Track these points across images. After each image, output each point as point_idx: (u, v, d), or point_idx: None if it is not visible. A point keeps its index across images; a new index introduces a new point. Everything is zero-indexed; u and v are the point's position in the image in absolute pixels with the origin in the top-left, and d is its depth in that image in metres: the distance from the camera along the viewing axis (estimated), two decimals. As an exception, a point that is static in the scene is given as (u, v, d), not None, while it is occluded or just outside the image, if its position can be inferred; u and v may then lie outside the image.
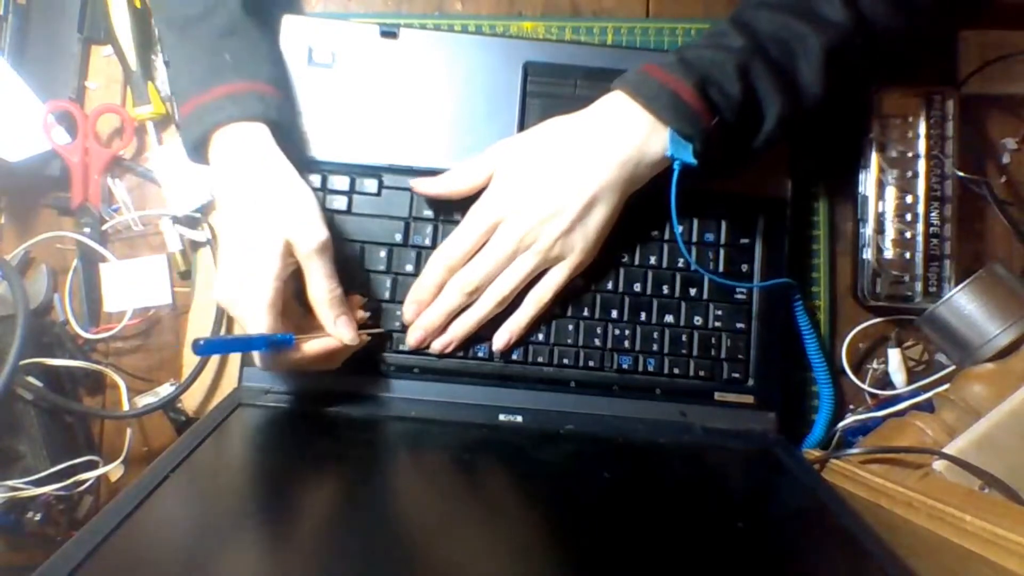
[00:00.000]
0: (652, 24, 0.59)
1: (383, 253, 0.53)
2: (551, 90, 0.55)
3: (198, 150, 0.48)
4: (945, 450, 0.46)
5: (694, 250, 0.53)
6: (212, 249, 0.56)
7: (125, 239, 0.58)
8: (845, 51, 0.46)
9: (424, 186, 0.51)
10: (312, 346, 0.46)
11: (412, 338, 0.51)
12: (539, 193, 0.48)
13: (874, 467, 0.49)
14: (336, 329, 0.46)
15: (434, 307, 0.50)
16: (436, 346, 0.51)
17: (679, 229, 0.49)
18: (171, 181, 0.56)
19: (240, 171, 0.46)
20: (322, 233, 0.45)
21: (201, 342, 0.42)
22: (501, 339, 0.51)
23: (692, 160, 0.46)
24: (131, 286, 0.57)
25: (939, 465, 0.46)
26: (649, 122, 0.46)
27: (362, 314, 0.50)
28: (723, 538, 0.40)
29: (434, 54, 0.54)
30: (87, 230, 0.56)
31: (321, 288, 0.46)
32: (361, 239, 0.53)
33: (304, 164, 0.52)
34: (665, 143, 0.46)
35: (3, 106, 0.54)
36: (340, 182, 0.53)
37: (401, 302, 0.52)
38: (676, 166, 0.46)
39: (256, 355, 0.47)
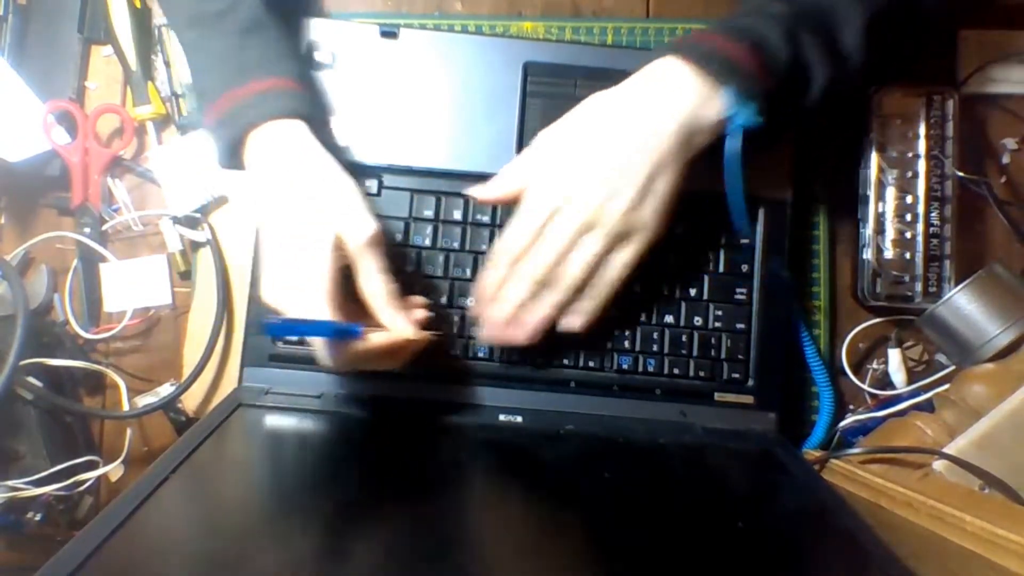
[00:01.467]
0: (652, 24, 0.59)
1: (383, 253, 0.53)
2: (551, 90, 0.54)
3: (233, 151, 0.47)
4: (945, 450, 0.46)
5: (694, 250, 0.53)
6: (212, 249, 0.56)
7: (125, 239, 0.58)
8: (887, 21, 0.46)
9: (482, 192, 0.49)
10: (378, 338, 0.44)
11: (485, 334, 0.49)
12: (597, 172, 0.45)
13: (874, 467, 0.49)
14: (394, 324, 0.45)
15: (504, 300, 0.48)
16: (516, 338, 0.48)
17: (737, 198, 0.47)
18: (171, 181, 0.56)
19: (282, 167, 0.45)
20: (372, 225, 0.45)
21: (276, 321, 0.40)
22: (576, 321, 0.49)
23: (757, 120, 0.44)
24: (131, 286, 0.57)
25: (939, 465, 0.46)
26: (702, 86, 0.45)
27: (424, 314, 0.49)
28: (723, 538, 0.40)
29: (434, 54, 0.54)
30: (87, 230, 0.56)
31: (375, 282, 0.45)
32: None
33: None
34: (720, 107, 0.45)
35: (3, 106, 0.54)
36: (340, 182, 0.53)
37: (401, 302, 0.52)
38: (739, 128, 0.45)
39: (320, 353, 0.44)
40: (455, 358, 0.52)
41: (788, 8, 0.45)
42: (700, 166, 0.47)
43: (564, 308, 0.48)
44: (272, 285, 0.44)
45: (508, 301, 0.48)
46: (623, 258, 0.47)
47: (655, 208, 0.46)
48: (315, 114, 0.48)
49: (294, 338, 0.52)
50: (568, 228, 0.46)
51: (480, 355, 0.52)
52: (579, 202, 0.46)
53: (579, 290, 0.48)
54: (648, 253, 0.48)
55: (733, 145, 0.45)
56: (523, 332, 0.48)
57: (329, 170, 0.46)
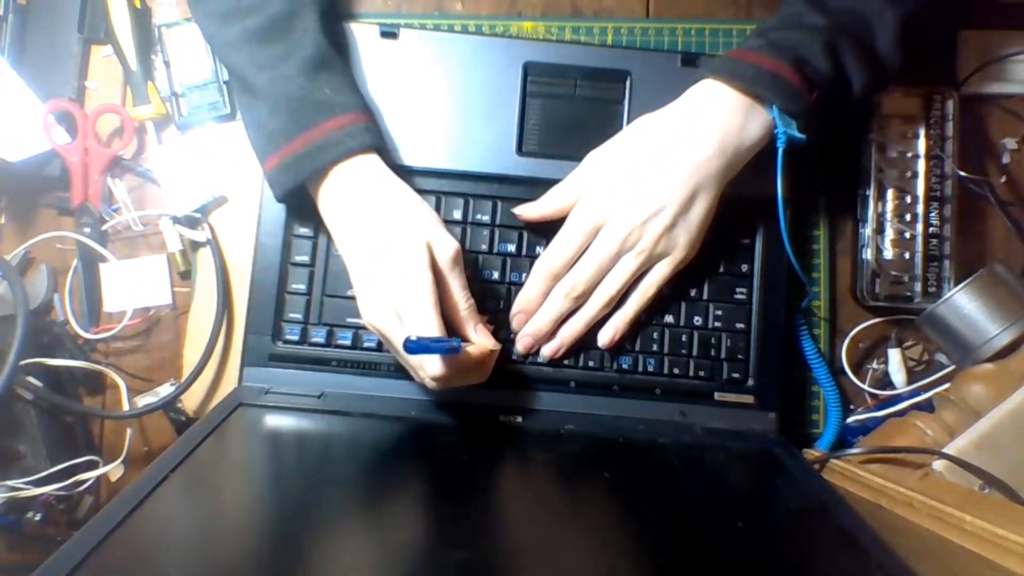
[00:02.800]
0: (652, 24, 0.59)
1: (383, 253, 0.53)
2: (551, 90, 0.55)
3: (302, 188, 0.48)
4: (945, 450, 0.46)
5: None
6: (212, 249, 0.56)
7: (125, 239, 0.58)
8: (918, 22, 0.47)
9: (529, 212, 0.51)
10: (474, 351, 0.45)
11: (521, 345, 0.51)
12: (639, 192, 0.47)
13: (874, 467, 0.49)
14: (478, 337, 0.47)
15: (541, 314, 0.50)
16: (547, 352, 0.51)
17: (783, 209, 0.48)
18: (171, 181, 0.56)
19: (367, 197, 0.47)
20: (455, 242, 0.46)
21: (414, 340, 0.41)
22: (607, 336, 0.51)
23: (801, 136, 0.46)
24: (131, 286, 0.57)
25: (939, 465, 0.46)
26: (746, 105, 0.46)
27: (490, 327, 0.50)
28: (723, 538, 0.40)
29: (434, 54, 0.54)
30: (87, 230, 0.56)
31: (460, 298, 0.46)
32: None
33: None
34: (763, 126, 0.47)
35: (3, 106, 0.54)
36: (340, 182, 0.53)
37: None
38: (782, 144, 0.46)
39: (427, 370, 0.44)
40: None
41: (825, 19, 0.46)
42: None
43: (594, 323, 0.51)
44: (375, 309, 0.45)
45: (545, 316, 0.50)
46: (656, 277, 0.50)
47: (691, 229, 0.48)
48: (383, 143, 0.49)
49: (294, 337, 0.52)
50: (607, 247, 0.48)
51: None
52: (619, 222, 0.48)
53: (610, 307, 0.50)
54: (679, 272, 0.50)
55: (779, 158, 0.47)
56: (555, 346, 0.51)
57: (409, 195, 0.48)
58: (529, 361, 0.52)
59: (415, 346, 0.41)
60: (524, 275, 0.52)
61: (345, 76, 0.49)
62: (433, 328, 0.43)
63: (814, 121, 0.47)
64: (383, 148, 0.49)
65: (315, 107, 0.47)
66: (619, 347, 0.52)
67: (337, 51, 0.50)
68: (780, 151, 0.47)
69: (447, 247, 0.46)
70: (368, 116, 0.48)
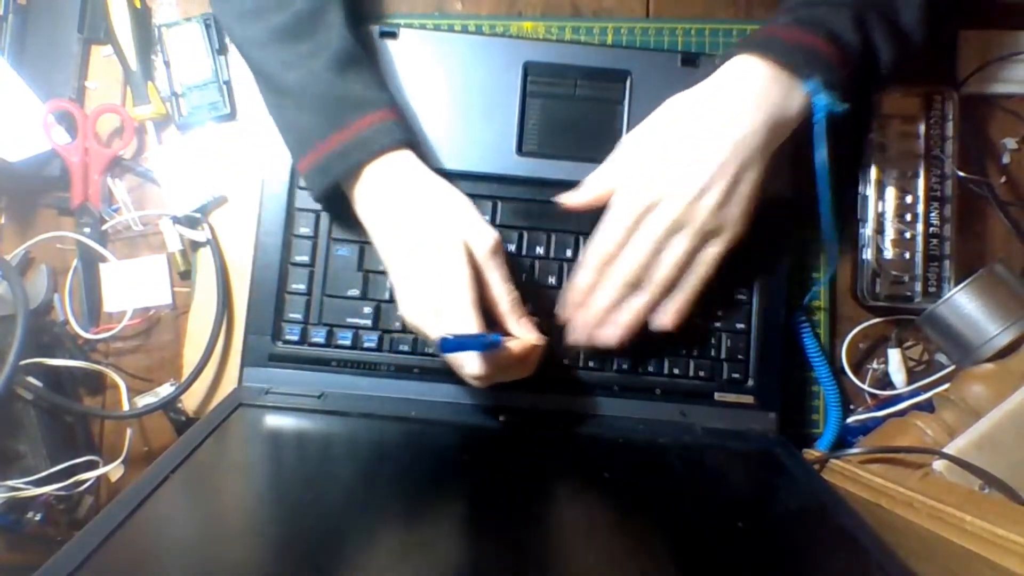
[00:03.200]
0: (652, 24, 0.59)
1: (383, 253, 0.53)
2: (551, 90, 0.55)
3: (338, 187, 0.48)
4: (945, 450, 0.46)
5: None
6: (212, 249, 0.56)
7: (125, 239, 0.58)
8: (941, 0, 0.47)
9: (570, 199, 0.50)
10: (516, 346, 0.44)
11: (576, 336, 0.50)
12: (685, 172, 0.46)
13: (874, 467, 0.49)
14: (521, 331, 0.46)
15: (595, 303, 0.49)
16: (609, 339, 0.49)
17: (826, 182, 0.48)
18: (171, 181, 0.56)
19: (401, 193, 0.47)
20: (494, 233, 0.46)
21: (450, 337, 0.41)
22: (668, 318, 0.49)
23: (842, 106, 0.46)
24: (131, 286, 0.57)
25: (939, 465, 0.46)
26: (784, 79, 0.46)
27: (534, 320, 0.49)
28: (723, 538, 0.40)
29: (434, 54, 0.54)
30: (87, 230, 0.56)
31: (501, 290, 0.46)
32: (361, 239, 0.53)
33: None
34: (803, 100, 0.46)
35: (3, 106, 0.54)
36: (340, 182, 0.53)
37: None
38: (822, 117, 0.46)
39: (470, 368, 0.44)
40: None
41: None
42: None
43: (654, 307, 0.49)
44: (413, 305, 0.45)
45: (599, 304, 0.49)
46: (711, 255, 0.48)
47: (742, 204, 0.47)
48: (416, 138, 0.49)
49: (294, 337, 0.52)
50: (658, 228, 0.47)
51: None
52: (669, 202, 0.47)
53: (668, 289, 0.49)
54: (732, 249, 0.49)
55: (821, 155, 0.47)
56: (614, 333, 0.49)
57: (444, 188, 0.47)
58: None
59: (450, 344, 0.40)
60: (523, 275, 0.53)
61: (373, 72, 0.49)
62: (471, 324, 0.42)
63: (850, 94, 0.46)
64: (416, 143, 0.49)
65: (346, 105, 0.46)
66: (679, 331, 0.50)
67: (364, 51, 0.49)
68: (820, 124, 0.46)
69: (485, 239, 0.45)
70: (398, 112, 0.48)
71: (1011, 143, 0.58)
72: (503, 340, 0.43)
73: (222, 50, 0.57)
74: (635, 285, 0.48)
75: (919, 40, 0.47)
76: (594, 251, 0.49)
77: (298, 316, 0.53)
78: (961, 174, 0.55)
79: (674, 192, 0.46)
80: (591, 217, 0.53)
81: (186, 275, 0.57)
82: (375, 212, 0.47)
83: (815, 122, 0.46)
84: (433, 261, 0.44)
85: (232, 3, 0.49)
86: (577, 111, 0.54)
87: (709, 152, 0.46)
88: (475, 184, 0.53)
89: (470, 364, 0.43)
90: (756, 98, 0.46)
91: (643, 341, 0.52)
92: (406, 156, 0.48)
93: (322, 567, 0.33)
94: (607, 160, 0.50)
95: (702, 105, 0.47)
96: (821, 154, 0.47)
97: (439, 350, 0.41)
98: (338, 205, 0.50)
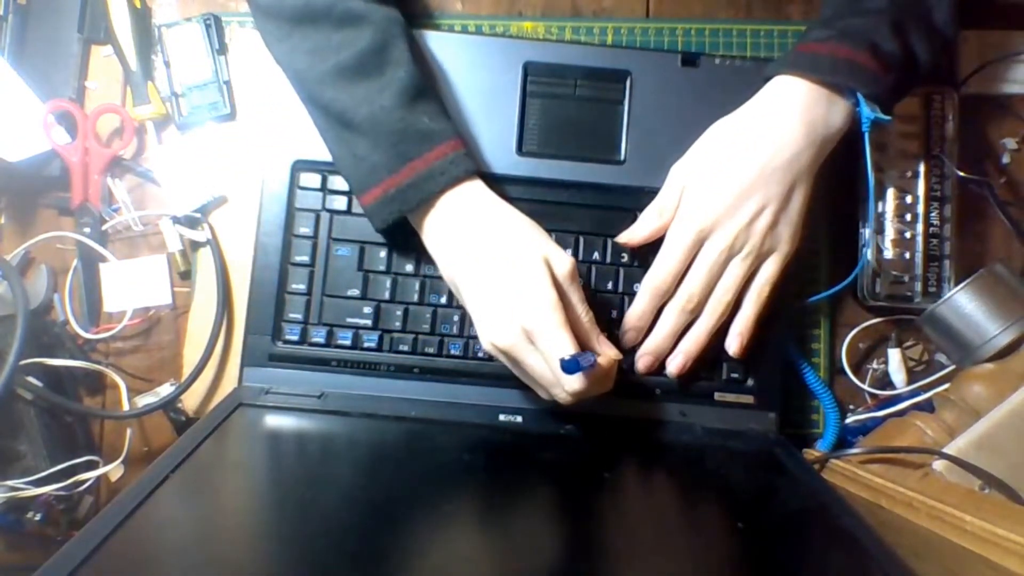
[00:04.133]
0: (652, 24, 0.59)
1: (383, 253, 0.53)
2: (551, 90, 0.55)
3: (412, 217, 0.48)
4: (945, 450, 0.46)
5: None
6: (212, 249, 0.56)
7: (125, 239, 0.58)
8: None
9: (633, 237, 0.51)
10: (604, 362, 0.45)
11: (643, 364, 0.51)
12: (738, 195, 0.47)
13: (874, 467, 0.49)
14: (602, 348, 0.46)
15: (659, 331, 0.50)
16: (673, 369, 0.51)
17: (872, 188, 0.50)
18: (171, 181, 0.56)
19: (476, 221, 0.47)
20: (570, 257, 0.46)
21: (567, 358, 0.41)
22: (735, 344, 0.51)
23: (887, 118, 0.46)
24: (131, 286, 0.57)
25: (939, 465, 0.46)
26: (826, 96, 0.47)
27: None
28: (723, 538, 0.40)
29: (434, 54, 0.54)
30: (87, 230, 0.56)
31: (580, 311, 0.46)
32: (361, 239, 0.53)
33: (307, 165, 0.53)
34: (847, 113, 0.47)
35: (3, 106, 0.54)
36: (340, 182, 0.53)
37: (401, 302, 0.52)
38: (867, 129, 0.47)
39: (567, 392, 0.44)
40: (455, 358, 0.52)
41: (885, 1, 0.47)
42: None
43: (715, 332, 0.50)
44: (501, 330, 0.44)
45: (664, 331, 0.50)
46: (769, 275, 0.50)
47: (794, 222, 0.49)
48: (481, 167, 0.49)
49: (295, 337, 0.52)
50: (714, 254, 0.48)
51: (480, 355, 0.52)
52: (723, 228, 0.48)
53: (727, 313, 0.50)
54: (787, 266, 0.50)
55: (865, 141, 0.47)
56: (678, 362, 0.50)
57: (519, 215, 0.48)
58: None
59: (572, 365, 0.41)
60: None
61: (438, 102, 0.49)
62: (567, 343, 0.42)
63: (892, 101, 0.47)
64: (481, 173, 0.49)
65: (417, 138, 0.47)
66: (747, 353, 0.51)
67: (428, 79, 0.49)
68: (866, 136, 0.47)
69: (564, 262, 0.46)
70: (464, 142, 0.48)
71: (1011, 143, 0.58)
72: (596, 358, 0.44)
73: (222, 50, 0.57)
74: (695, 312, 0.50)
75: (951, 37, 0.48)
76: (651, 281, 0.50)
77: (298, 316, 0.53)
78: (961, 174, 0.55)
79: (728, 218, 0.48)
80: (591, 216, 0.53)
81: (186, 275, 0.57)
82: (450, 241, 0.48)
83: (863, 132, 0.47)
84: (519, 284, 0.44)
85: (294, 41, 0.48)
86: (577, 111, 0.54)
87: (759, 175, 0.47)
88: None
89: (572, 382, 0.43)
90: (801, 117, 0.47)
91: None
92: (477, 185, 0.48)
93: (322, 567, 0.33)
94: (661, 193, 0.51)
95: (748, 128, 0.48)
96: (867, 164, 0.48)
97: (562, 370, 0.42)
98: (397, 234, 0.50)
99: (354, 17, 0.47)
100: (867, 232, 0.55)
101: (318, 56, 0.48)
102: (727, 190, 0.48)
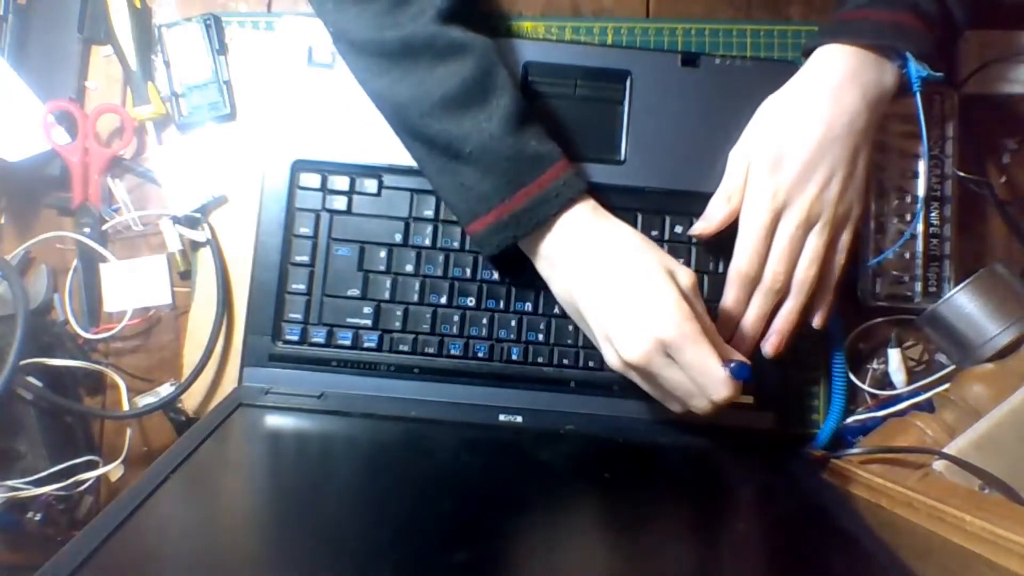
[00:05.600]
0: (652, 24, 0.59)
1: (383, 253, 0.53)
2: (551, 90, 0.55)
3: (526, 242, 0.48)
4: (945, 450, 0.46)
5: (693, 251, 0.53)
6: (212, 249, 0.56)
7: (125, 239, 0.58)
8: None
9: (704, 228, 0.51)
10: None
11: (740, 355, 0.50)
12: (805, 167, 0.47)
13: (874, 467, 0.49)
14: (731, 354, 0.46)
15: (750, 317, 0.50)
16: (770, 351, 0.51)
17: (927, 146, 0.51)
18: (171, 181, 0.56)
19: (594, 241, 0.47)
20: (690, 270, 0.46)
21: (734, 365, 0.43)
22: (821, 317, 0.51)
23: (939, 74, 0.47)
24: (131, 286, 0.57)
25: (939, 465, 0.46)
26: (874, 60, 0.47)
27: None
28: (723, 539, 0.40)
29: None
30: (87, 230, 0.56)
31: (706, 321, 0.46)
32: (361, 239, 0.53)
33: (307, 165, 0.53)
34: (894, 74, 0.48)
35: (3, 106, 0.54)
36: (340, 182, 0.53)
37: (401, 302, 0.52)
38: (919, 88, 0.47)
39: (717, 400, 0.44)
40: (455, 358, 0.52)
41: None
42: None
43: (806, 308, 0.50)
44: (637, 346, 0.44)
45: (755, 317, 0.50)
46: (845, 242, 0.50)
47: (861, 185, 0.49)
48: (591, 184, 0.49)
49: (295, 337, 0.52)
50: (792, 229, 0.48)
51: (480, 355, 0.52)
52: (795, 203, 0.48)
53: (815, 286, 0.50)
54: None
55: (918, 101, 0.48)
56: (775, 342, 0.51)
57: (635, 232, 0.48)
58: (529, 361, 0.52)
59: (743, 371, 0.42)
60: (524, 275, 0.52)
61: (541, 124, 0.49)
62: (709, 352, 0.42)
63: (940, 59, 0.47)
64: (591, 189, 0.49)
65: (527, 163, 0.46)
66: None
67: (522, 94, 0.49)
68: (917, 96, 0.47)
69: (686, 275, 0.46)
70: (570, 161, 0.48)
71: (1011, 143, 0.58)
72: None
73: (222, 50, 0.57)
74: (782, 291, 0.50)
75: None
76: (736, 269, 0.49)
77: (298, 316, 0.53)
78: (961, 174, 0.55)
79: (799, 191, 0.48)
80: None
81: (186, 275, 0.57)
82: (569, 262, 0.47)
83: (914, 92, 0.47)
84: (651, 299, 0.44)
85: (394, 74, 0.48)
86: (577, 111, 0.54)
87: (823, 144, 0.47)
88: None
89: (724, 390, 0.43)
90: (854, 82, 0.47)
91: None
92: (589, 203, 0.48)
93: (322, 567, 0.33)
94: (725, 178, 0.51)
95: (802, 100, 0.48)
96: (922, 123, 0.48)
97: (735, 378, 0.42)
98: (501, 260, 0.51)
99: (456, 48, 0.47)
100: (867, 232, 0.55)
101: (422, 89, 0.47)
102: (794, 163, 0.47)
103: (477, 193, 0.47)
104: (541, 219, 0.47)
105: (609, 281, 0.46)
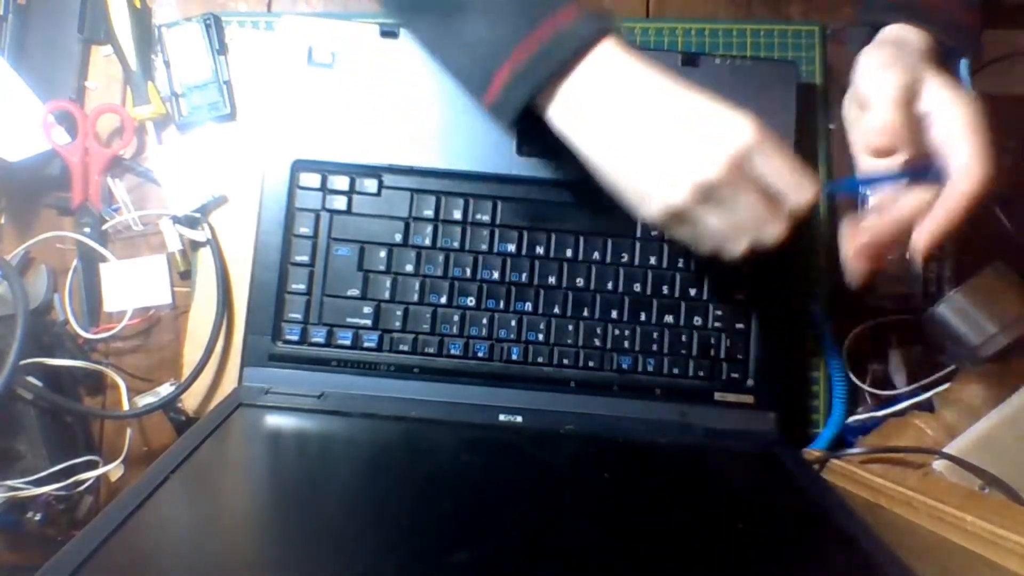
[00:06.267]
0: (652, 24, 0.59)
1: (383, 253, 0.53)
2: (551, 90, 0.54)
3: (544, 102, 0.43)
4: (945, 450, 0.46)
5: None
6: (212, 249, 0.56)
7: (125, 239, 0.58)
8: None
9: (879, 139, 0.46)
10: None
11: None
12: (924, 54, 0.48)
13: (874, 467, 0.49)
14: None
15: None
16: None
17: None
18: (171, 181, 0.56)
19: (626, 86, 0.41)
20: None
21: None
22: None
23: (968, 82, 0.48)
24: (131, 286, 0.57)
25: (939, 465, 0.46)
26: (937, 51, 0.48)
27: None
28: (723, 539, 0.40)
29: (434, 54, 0.54)
30: (87, 230, 0.56)
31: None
32: (361, 239, 0.53)
33: (307, 165, 0.52)
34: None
35: (3, 106, 0.54)
36: (340, 182, 0.53)
37: (401, 302, 0.52)
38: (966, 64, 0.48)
39: (776, 228, 0.41)
40: (455, 358, 0.52)
41: None
42: None
43: None
44: (669, 184, 0.40)
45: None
46: None
47: None
48: (616, 25, 0.43)
49: (294, 337, 0.52)
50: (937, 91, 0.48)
51: (480, 355, 0.52)
52: (929, 74, 0.48)
53: None
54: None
55: (967, 78, 0.49)
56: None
57: (674, 79, 0.42)
58: (529, 361, 0.52)
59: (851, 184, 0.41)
60: (524, 275, 0.53)
61: None
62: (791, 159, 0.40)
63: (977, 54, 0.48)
64: (618, 29, 0.42)
65: (538, 2, 0.41)
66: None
67: None
68: (966, 71, 0.49)
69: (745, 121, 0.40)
70: (587, 7, 0.42)
71: (1011, 143, 0.58)
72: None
73: (222, 50, 0.57)
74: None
75: None
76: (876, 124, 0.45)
77: (298, 316, 0.53)
78: (961, 174, 0.55)
79: (926, 67, 0.46)
80: (591, 217, 0.53)
81: (186, 275, 0.57)
82: (601, 108, 0.42)
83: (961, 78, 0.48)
84: (693, 141, 0.39)
85: None
86: (577, 111, 0.54)
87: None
88: (475, 184, 0.53)
89: (813, 185, 0.41)
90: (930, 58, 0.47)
91: (643, 339, 0.53)
92: (619, 42, 0.42)
93: (322, 567, 0.33)
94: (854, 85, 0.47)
95: (892, 53, 0.46)
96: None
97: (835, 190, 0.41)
98: (533, 130, 0.44)
99: None
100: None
101: None
102: (911, 56, 0.47)
103: (487, 46, 0.42)
104: (563, 59, 0.41)
105: (640, 126, 0.41)
